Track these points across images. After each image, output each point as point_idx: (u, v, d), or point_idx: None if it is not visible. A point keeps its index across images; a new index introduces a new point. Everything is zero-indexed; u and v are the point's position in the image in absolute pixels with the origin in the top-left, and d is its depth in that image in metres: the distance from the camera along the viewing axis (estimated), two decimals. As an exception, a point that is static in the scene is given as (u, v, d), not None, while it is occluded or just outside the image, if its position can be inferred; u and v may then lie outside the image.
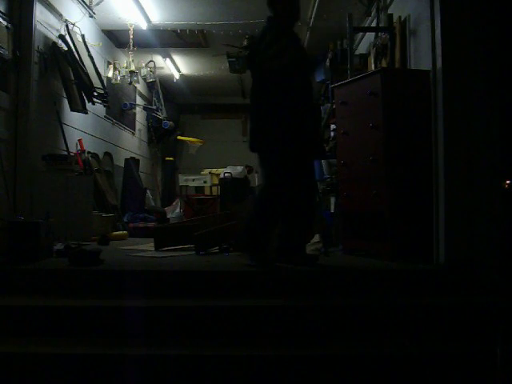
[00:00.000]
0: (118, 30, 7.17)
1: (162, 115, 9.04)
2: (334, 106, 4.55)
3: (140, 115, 9.01)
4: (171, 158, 10.41)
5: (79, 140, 5.87)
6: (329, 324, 2.75)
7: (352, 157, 3.96)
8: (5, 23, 4.57)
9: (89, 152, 6.08)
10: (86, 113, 5.90)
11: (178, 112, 10.49)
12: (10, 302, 2.82)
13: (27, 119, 4.78)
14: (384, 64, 4.65)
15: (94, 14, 6.21)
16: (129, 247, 4.60)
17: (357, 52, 5.75)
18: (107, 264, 3.30)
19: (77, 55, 5.66)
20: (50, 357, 2.45)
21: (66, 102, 5.59)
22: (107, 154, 7.02)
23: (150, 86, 8.88)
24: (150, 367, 2.41)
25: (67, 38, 5.58)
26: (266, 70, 3.34)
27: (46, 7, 5.19)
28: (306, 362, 2.46)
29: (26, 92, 4.78)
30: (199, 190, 8.30)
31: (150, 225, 6.19)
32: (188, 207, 7.67)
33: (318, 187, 3.49)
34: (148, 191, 7.88)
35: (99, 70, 6.25)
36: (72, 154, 5.47)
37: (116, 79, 7.09)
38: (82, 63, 5.73)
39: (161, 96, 9.00)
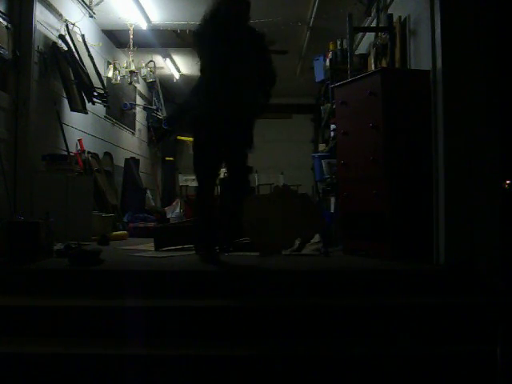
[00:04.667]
0: (118, 30, 7.17)
1: (162, 115, 9.04)
2: (334, 106, 4.55)
3: (140, 115, 9.01)
4: (171, 158, 10.41)
5: (79, 140, 5.87)
6: (329, 324, 2.75)
7: (352, 157, 3.95)
8: (5, 23, 4.57)
9: (89, 152, 6.08)
10: (86, 113, 5.90)
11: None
12: (10, 302, 2.82)
13: (27, 119, 4.78)
14: (384, 64, 4.65)
15: (94, 14, 6.21)
16: (129, 247, 4.60)
17: (357, 52, 5.75)
18: (107, 264, 3.30)
19: (77, 55, 5.66)
20: (50, 357, 2.45)
21: (66, 102, 5.59)
22: (107, 154, 7.02)
23: (150, 86, 8.87)
24: (150, 367, 2.41)
25: (67, 38, 5.58)
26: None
27: (46, 7, 5.19)
28: (308, 362, 2.46)
29: (26, 92, 4.78)
30: (199, 190, 8.28)
31: (150, 225, 6.18)
32: (188, 207, 7.67)
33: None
34: (148, 191, 7.88)
35: (99, 69, 6.25)
36: (72, 154, 5.47)
37: (116, 79, 7.09)
38: (82, 63, 5.73)
39: (161, 96, 9.00)
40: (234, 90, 3.60)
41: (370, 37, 5.38)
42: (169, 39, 7.40)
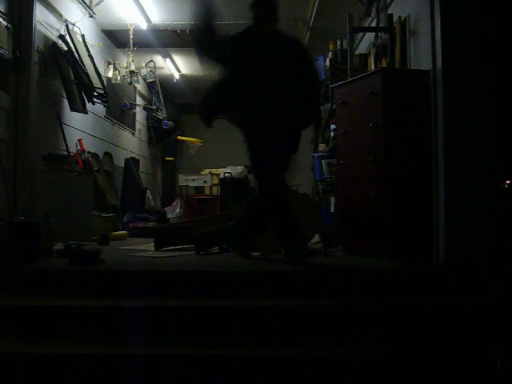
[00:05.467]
0: (118, 30, 7.18)
1: (161, 115, 9.04)
2: (334, 106, 4.55)
3: (140, 115, 9.01)
4: (171, 158, 10.41)
5: (79, 140, 5.87)
6: (329, 324, 2.75)
7: (352, 157, 3.95)
8: (5, 23, 4.57)
9: (89, 152, 6.08)
10: (86, 113, 5.90)
11: (177, 112, 10.49)
12: (10, 302, 2.82)
13: (27, 119, 4.78)
14: (384, 64, 4.65)
15: (94, 14, 6.21)
16: (129, 247, 4.60)
17: (357, 52, 5.74)
18: (107, 264, 3.30)
19: (77, 55, 5.67)
20: (50, 357, 2.45)
21: (66, 102, 5.59)
22: (107, 154, 7.02)
23: (150, 86, 8.88)
24: (150, 367, 2.41)
25: (67, 37, 5.59)
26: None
27: (45, 7, 5.19)
28: (307, 362, 2.46)
29: (26, 92, 4.78)
30: (199, 190, 8.30)
31: (150, 225, 6.19)
32: (188, 207, 7.68)
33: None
34: (148, 191, 7.88)
35: (99, 69, 6.26)
36: (72, 154, 5.47)
37: (116, 79, 7.09)
38: (82, 63, 5.74)
39: (161, 96, 9.01)
40: (272, 102, 3.48)
41: (370, 37, 5.38)
42: (169, 39, 7.40)
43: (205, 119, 3.67)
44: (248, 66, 3.51)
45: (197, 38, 3.66)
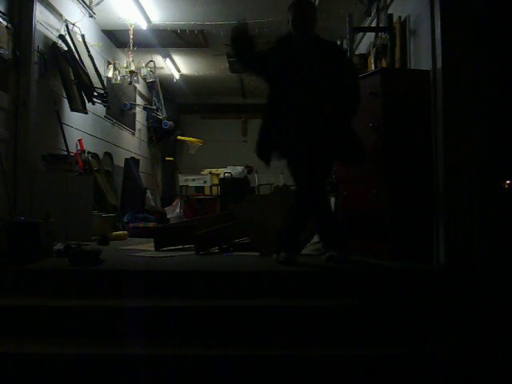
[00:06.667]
0: (117, 30, 7.17)
1: (162, 115, 9.04)
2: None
3: (140, 115, 9.01)
4: (171, 158, 10.41)
5: (79, 140, 5.87)
6: (328, 325, 2.75)
7: (352, 157, 3.95)
8: (5, 23, 4.57)
9: (89, 152, 6.08)
10: (86, 113, 5.90)
11: (177, 112, 10.50)
12: (10, 302, 2.82)
13: (27, 119, 4.78)
14: (384, 64, 4.65)
15: (94, 14, 6.21)
16: (129, 247, 4.60)
17: (357, 52, 5.74)
18: (107, 264, 3.30)
19: (77, 55, 5.67)
20: (50, 357, 2.45)
21: (66, 102, 5.59)
22: (107, 154, 7.02)
23: (150, 86, 8.88)
24: (150, 367, 2.41)
25: (67, 37, 5.59)
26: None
27: (45, 7, 5.19)
28: (307, 362, 2.46)
29: (26, 92, 4.78)
30: (199, 190, 8.31)
31: (150, 225, 6.19)
32: (188, 207, 7.68)
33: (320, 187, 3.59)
34: (148, 191, 7.88)
35: (99, 69, 6.25)
36: (72, 154, 5.47)
37: (116, 79, 7.09)
38: (82, 63, 5.74)
39: (161, 96, 9.01)
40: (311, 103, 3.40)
41: (370, 37, 5.38)
42: (169, 39, 7.40)
43: (263, 159, 3.72)
44: (288, 75, 3.44)
45: (237, 50, 3.60)
